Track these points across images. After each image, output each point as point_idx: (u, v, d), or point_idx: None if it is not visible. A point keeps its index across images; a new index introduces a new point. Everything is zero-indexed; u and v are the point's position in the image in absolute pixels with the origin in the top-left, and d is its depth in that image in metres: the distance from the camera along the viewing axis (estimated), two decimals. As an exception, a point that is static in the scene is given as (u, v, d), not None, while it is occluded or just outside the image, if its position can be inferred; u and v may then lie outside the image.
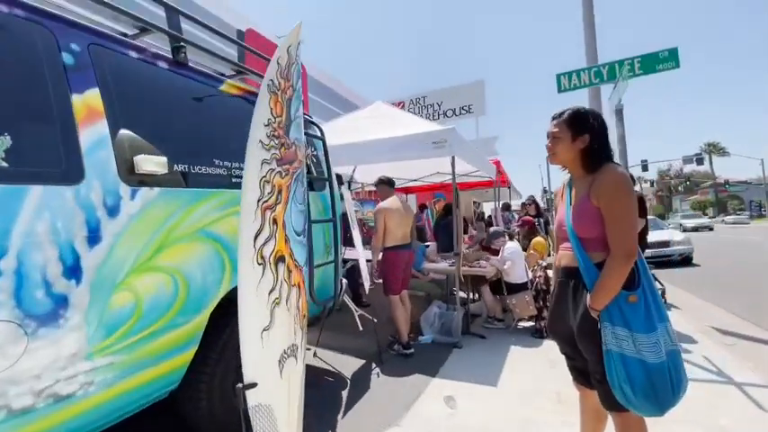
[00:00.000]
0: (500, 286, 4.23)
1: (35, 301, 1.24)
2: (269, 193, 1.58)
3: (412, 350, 3.45)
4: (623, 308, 1.43)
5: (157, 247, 1.63)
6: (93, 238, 1.41)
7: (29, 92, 1.33)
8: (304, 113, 2.89)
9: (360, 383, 2.92)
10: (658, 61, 3.35)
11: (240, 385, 1.49)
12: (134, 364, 1.55)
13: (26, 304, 1.21)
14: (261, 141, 1.56)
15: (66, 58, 1.44)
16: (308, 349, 3.56)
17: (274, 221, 1.61)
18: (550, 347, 3.43)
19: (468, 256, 4.90)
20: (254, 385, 1.50)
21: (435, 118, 14.79)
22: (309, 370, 3.16)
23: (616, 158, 1.69)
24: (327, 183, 2.81)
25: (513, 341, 3.78)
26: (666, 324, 1.45)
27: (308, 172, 2.76)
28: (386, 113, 4.96)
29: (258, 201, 1.53)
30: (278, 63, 1.65)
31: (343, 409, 2.55)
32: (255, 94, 2.34)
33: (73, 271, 1.34)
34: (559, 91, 3.91)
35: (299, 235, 1.79)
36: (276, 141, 1.64)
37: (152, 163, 1.64)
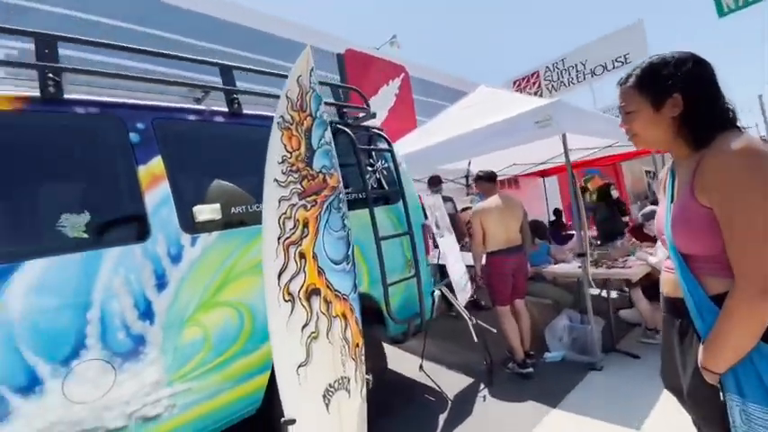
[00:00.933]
0: (657, 288, 3.26)
1: (118, 341, 1.54)
2: (291, 229, 1.58)
3: (530, 369, 2.98)
4: (762, 372, 0.87)
5: (219, 284, 1.83)
6: (161, 284, 1.67)
7: (103, 172, 1.68)
8: (372, 127, 2.84)
9: (461, 406, 2.67)
10: None
11: (283, 419, 1.54)
12: (211, 388, 1.78)
13: (111, 345, 1.52)
14: (276, 180, 1.57)
15: (133, 137, 1.75)
16: (380, 368, 3.47)
17: (301, 256, 1.60)
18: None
19: (613, 251, 3.96)
20: (293, 421, 1.52)
21: (580, 81, 12.61)
22: (409, 385, 3.08)
23: None
24: (400, 194, 2.67)
25: (680, 363, 2.84)
26: None
27: (380, 186, 2.69)
28: (488, 98, 4.46)
29: (279, 238, 1.55)
30: (287, 97, 1.64)
31: (435, 436, 2.39)
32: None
33: (146, 314, 1.62)
34: (721, 14, 2.74)
35: (338, 263, 1.74)
36: (296, 176, 1.63)
37: (208, 211, 1.85)
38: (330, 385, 1.66)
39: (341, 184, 1.82)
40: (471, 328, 3.29)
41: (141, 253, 1.65)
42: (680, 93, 1.01)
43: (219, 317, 1.82)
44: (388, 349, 3.03)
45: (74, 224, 1.51)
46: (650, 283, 3.38)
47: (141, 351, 1.59)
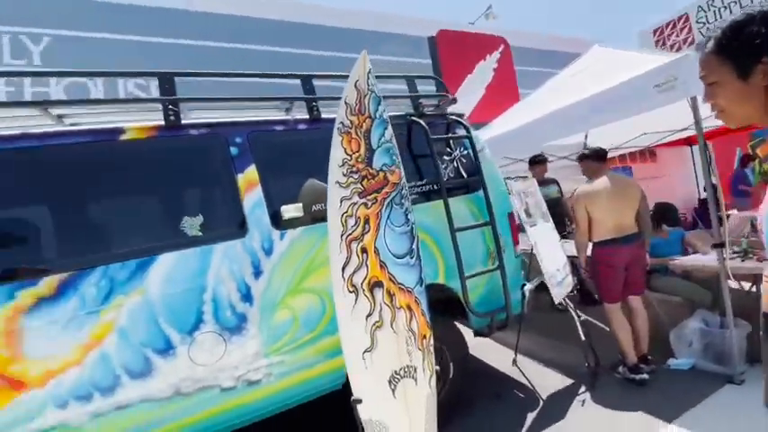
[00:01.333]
0: None
1: (226, 318, 1.91)
2: (353, 226, 1.70)
3: (644, 376, 2.58)
4: None
5: (304, 273, 2.09)
6: (257, 272, 1.99)
7: (211, 182, 2.05)
8: (450, 113, 2.77)
9: (555, 409, 2.48)
10: None
11: (352, 398, 1.70)
12: (299, 362, 2.06)
13: (221, 321, 1.90)
14: (338, 182, 1.71)
15: (233, 150, 2.09)
16: (460, 355, 3.33)
17: (363, 251, 1.72)
18: None
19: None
20: (359, 401, 1.67)
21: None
22: (499, 378, 2.98)
23: None
24: (480, 182, 2.56)
25: None
26: None
27: (458, 175, 2.62)
28: (601, 59, 3.85)
29: (342, 235, 1.69)
30: (345, 103, 1.74)
31: (522, 433, 2.29)
32: (400, 116, 2.48)
33: (247, 297, 1.96)
34: None
35: (401, 257, 1.80)
36: (356, 176, 1.74)
37: (292, 210, 2.11)
38: (396, 372, 1.75)
39: (403, 180, 1.86)
40: (578, 324, 2.99)
41: (241, 247, 1.99)
42: None
43: (304, 301, 2.08)
44: (480, 341, 2.96)
45: (192, 225, 1.91)
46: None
47: (244, 327, 1.94)
